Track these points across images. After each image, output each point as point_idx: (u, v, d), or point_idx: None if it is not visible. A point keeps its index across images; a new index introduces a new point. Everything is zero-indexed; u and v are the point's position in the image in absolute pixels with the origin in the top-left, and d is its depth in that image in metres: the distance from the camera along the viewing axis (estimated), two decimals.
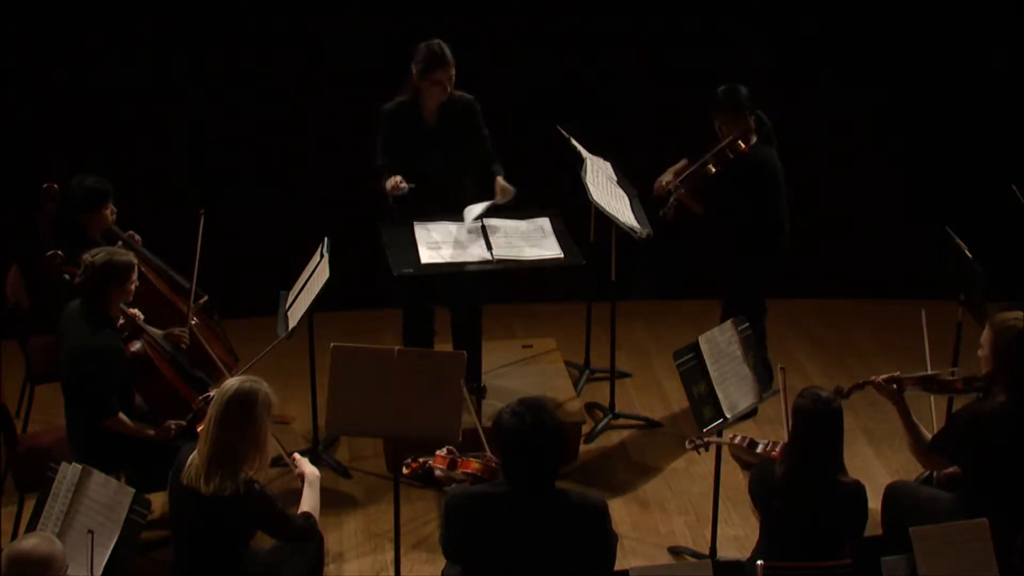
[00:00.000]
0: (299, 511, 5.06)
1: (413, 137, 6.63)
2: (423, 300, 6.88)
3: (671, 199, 6.71)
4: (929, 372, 5.61)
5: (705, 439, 5.50)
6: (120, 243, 6.35)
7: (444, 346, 7.03)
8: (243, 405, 4.80)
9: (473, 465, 5.08)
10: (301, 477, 5.17)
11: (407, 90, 6.62)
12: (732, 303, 6.83)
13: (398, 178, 6.50)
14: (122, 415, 5.66)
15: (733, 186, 6.69)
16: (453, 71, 6.51)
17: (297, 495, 5.16)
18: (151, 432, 5.74)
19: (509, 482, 4.59)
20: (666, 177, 6.86)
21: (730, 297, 6.93)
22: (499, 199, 6.58)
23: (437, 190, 6.63)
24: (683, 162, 6.88)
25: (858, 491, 4.99)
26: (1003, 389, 5.20)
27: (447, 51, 6.49)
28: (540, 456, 4.54)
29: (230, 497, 4.76)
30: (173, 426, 5.74)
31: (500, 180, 6.62)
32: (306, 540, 5.09)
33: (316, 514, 5.08)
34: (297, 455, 5.24)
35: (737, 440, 5.44)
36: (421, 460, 5.22)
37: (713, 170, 6.66)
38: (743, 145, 6.64)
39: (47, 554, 4.24)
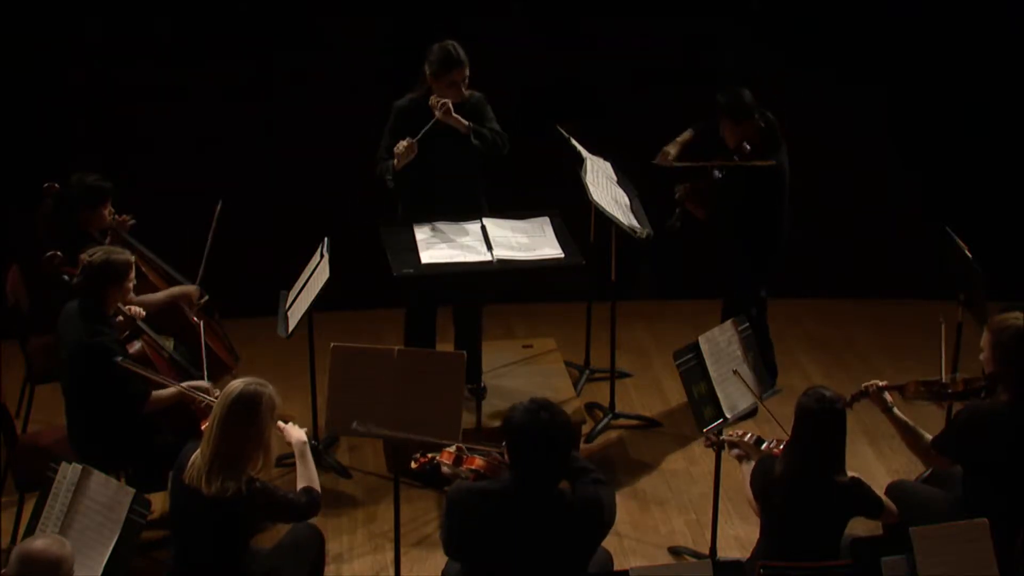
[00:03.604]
0: (297, 487, 5.06)
1: (424, 135, 6.61)
2: (430, 300, 6.87)
3: (676, 211, 6.70)
4: (930, 378, 5.59)
5: (721, 437, 5.51)
6: (111, 235, 6.36)
7: (444, 346, 7.03)
8: (247, 407, 4.81)
9: (478, 462, 5.08)
10: (290, 445, 5.18)
11: (419, 88, 6.57)
12: (731, 303, 6.84)
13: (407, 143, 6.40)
14: (153, 392, 5.67)
15: (738, 191, 6.67)
16: (467, 72, 6.47)
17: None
18: (197, 379, 5.77)
19: (513, 478, 4.61)
20: (671, 149, 6.81)
21: (729, 297, 6.94)
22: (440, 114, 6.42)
23: (446, 190, 6.62)
24: (688, 133, 6.85)
25: (854, 486, 5.01)
26: (1006, 388, 5.21)
27: (461, 52, 6.43)
28: (554, 450, 4.57)
29: (232, 498, 4.76)
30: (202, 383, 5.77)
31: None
32: (313, 514, 5.08)
33: (316, 485, 5.08)
34: (281, 423, 5.17)
35: (747, 438, 5.46)
36: (430, 455, 5.22)
37: (717, 175, 6.66)
38: (748, 148, 6.64)
39: (57, 556, 4.23)
